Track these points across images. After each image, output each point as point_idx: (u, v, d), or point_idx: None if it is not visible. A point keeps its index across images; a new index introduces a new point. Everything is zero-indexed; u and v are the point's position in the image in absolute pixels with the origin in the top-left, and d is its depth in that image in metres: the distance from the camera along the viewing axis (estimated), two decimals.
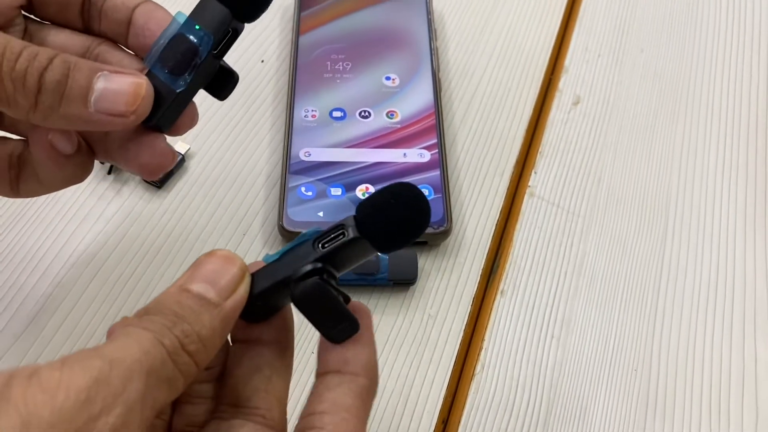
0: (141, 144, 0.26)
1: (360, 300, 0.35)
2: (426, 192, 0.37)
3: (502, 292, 0.36)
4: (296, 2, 0.45)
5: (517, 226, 0.38)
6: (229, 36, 0.25)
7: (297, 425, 0.21)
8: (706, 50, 0.47)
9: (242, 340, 0.23)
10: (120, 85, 0.23)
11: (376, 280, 0.35)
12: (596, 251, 0.38)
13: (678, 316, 0.36)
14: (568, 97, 0.44)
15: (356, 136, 0.39)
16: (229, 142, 0.40)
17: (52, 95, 0.22)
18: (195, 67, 0.24)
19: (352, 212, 0.37)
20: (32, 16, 0.27)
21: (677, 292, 0.37)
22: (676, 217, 0.39)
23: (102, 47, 0.27)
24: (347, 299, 0.22)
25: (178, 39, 0.24)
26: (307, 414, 0.21)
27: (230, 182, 0.39)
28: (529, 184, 0.40)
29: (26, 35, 0.27)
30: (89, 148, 0.27)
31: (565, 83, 0.45)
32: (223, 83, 0.26)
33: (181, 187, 0.38)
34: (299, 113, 0.40)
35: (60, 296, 0.34)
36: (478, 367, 0.34)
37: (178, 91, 0.24)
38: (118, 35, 0.27)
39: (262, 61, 0.44)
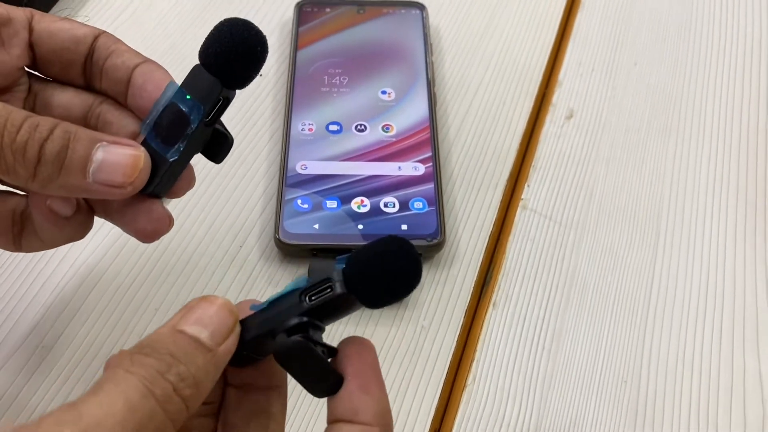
0: (138, 210, 0.26)
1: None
2: (420, 204, 0.38)
3: (494, 304, 0.37)
4: (294, 18, 0.46)
5: (510, 239, 0.39)
6: (221, 104, 0.25)
7: None
8: (699, 65, 0.48)
9: (237, 385, 0.23)
10: (118, 157, 0.23)
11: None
12: (588, 264, 0.38)
13: (668, 328, 0.36)
14: (561, 111, 0.45)
15: (352, 149, 0.40)
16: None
17: (51, 166, 0.23)
18: (187, 137, 0.25)
19: (348, 225, 0.38)
20: (37, 74, 0.28)
21: (667, 304, 0.37)
22: (667, 231, 0.40)
23: (103, 106, 0.28)
24: (333, 352, 0.22)
25: (170, 109, 0.25)
26: None
27: (228, 194, 0.39)
28: (522, 197, 0.41)
29: (30, 94, 0.28)
30: (89, 208, 0.27)
31: (558, 97, 0.46)
32: (217, 147, 0.26)
33: (180, 199, 0.39)
34: (296, 127, 0.41)
35: (60, 306, 0.35)
36: (470, 379, 0.34)
37: (171, 160, 0.25)
38: (118, 94, 0.27)
39: (261, 75, 0.45)
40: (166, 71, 0.27)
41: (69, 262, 0.36)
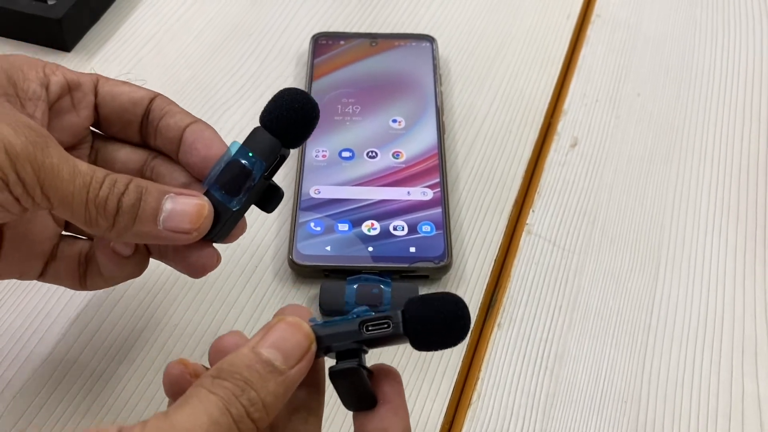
0: (191, 249, 0.29)
1: None
2: (428, 228, 0.39)
3: (499, 325, 0.38)
4: (310, 50, 0.48)
5: (515, 262, 0.40)
6: (278, 161, 0.28)
7: None
8: (700, 96, 0.50)
9: None
10: (185, 207, 0.26)
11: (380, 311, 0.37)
12: (590, 287, 0.40)
13: (668, 352, 0.37)
14: (566, 140, 0.47)
15: (363, 174, 0.42)
16: None
17: (127, 216, 0.26)
18: (248, 189, 0.28)
19: (359, 247, 0.39)
20: (98, 132, 0.31)
21: (667, 328, 0.38)
22: (668, 257, 0.41)
23: (156, 161, 0.31)
24: (371, 374, 0.25)
25: (234, 164, 0.28)
26: None
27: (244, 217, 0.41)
28: (527, 222, 0.42)
29: (93, 150, 0.31)
30: (146, 249, 0.30)
31: (563, 126, 0.47)
32: (270, 199, 0.29)
33: None
34: (310, 153, 0.43)
35: (84, 321, 0.36)
36: (475, 396, 0.35)
37: (234, 210, 0.28)
38: (170, 151, 0.30)
39: None
40: (214, 130, 0.30)
41: None
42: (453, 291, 0.38)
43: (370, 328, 0.24)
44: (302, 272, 0.39)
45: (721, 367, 0.37)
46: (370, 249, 0.38)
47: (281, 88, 0.45)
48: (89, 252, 0.31)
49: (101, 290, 0.37)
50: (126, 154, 0.31)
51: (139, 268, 0.30)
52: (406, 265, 0.38)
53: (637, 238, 0.42)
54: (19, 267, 0.30)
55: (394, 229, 0.39)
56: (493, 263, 0.40)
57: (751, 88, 0.50)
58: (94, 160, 0.31)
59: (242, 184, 0.27)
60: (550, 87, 0.49)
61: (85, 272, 0.31)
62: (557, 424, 0.35)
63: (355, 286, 0.37)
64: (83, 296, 0.37)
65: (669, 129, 0.47)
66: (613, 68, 0.51)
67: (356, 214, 0.40)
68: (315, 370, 0.26)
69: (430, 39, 0.49)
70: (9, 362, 0.35)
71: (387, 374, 0.26)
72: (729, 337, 0.38)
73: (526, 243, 0.41)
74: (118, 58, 0.48)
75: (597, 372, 0.37)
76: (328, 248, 0.38)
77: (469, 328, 0.25)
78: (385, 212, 0.40)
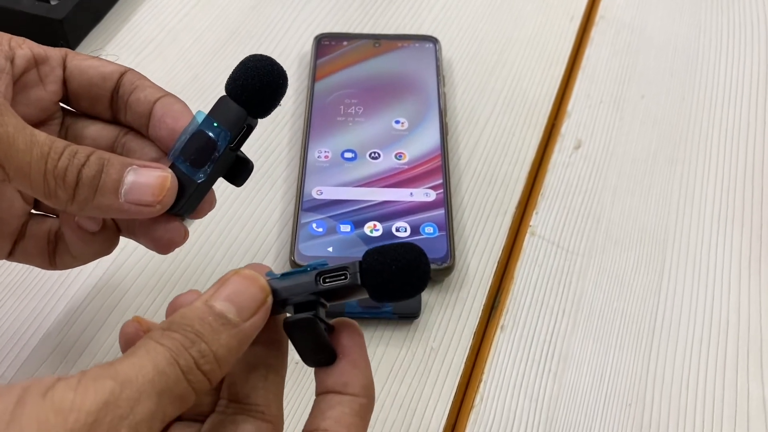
0: (157, 223, 0.28)
1: (365, 332, 0.37)
2: (431, 229, 0.39)
3: (502, 327, 0.38)
4: (313, 50, 0.48)
5: (518, 264, 0.40)
6: (244, 131, 0.27)
7: None
8: (704, 98, 0.49)
9: None
10: (147, 178, 0.26)
11: (381, 313, 0.37)
12: (594, 289, 0.39)
13: (672, 354, 0.37)
14: (569, 142, 0.46)
15: (366, 176, 0.42)
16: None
17: (87, 189, 0.25)
18: (214, 161, 0.27)
19: (361, 248, 0.39)
20: (69, 108, 0.30)
21: (672, 330, 0.38)
22: (672, 258, 0.41)
23: (128, 137, 0.30)
24: (331, 329, 0.25)
25: (198, 135, 0.27)
26: (309, 430, 0.23)
27: (246, 218, 0.41)
28: (531, 223, 0.42)
29: (63, 127, 0.30)
30: (115, 226, 0.30)
31: (567, 128, 0.47)
32: (239, 172, 0.28)
33: (199, 223, 0.40)
34: (313, 154, 0.42)
35: (82, 324, 0.36)
36: (478, 399, 0.35)
37: (198, 181, 0.27)
38: (141, 126, 0.29)
39: (280, 105, 0.46)
40: (185, 104, 0.29)
41: (91, 283, 0.38)
42: (456, 293, 0.38)
43: (326, 280, 0.23)
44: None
45: (726, 370, 0.37)
46: None
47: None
48: (59, 230, 0.30)
49: (97, 292, 0.37)
50: (96, 131, 0.30)
51: (108, 245, 0.30)
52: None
53: (641, 240, 0.42)
54: None
55: (397, 230, 0.39)
56: (496, 265, 0.40)
57: (756, 90, 0.50)
58: (64, 136, 0.30)
59: (207, 155, 0.27)
60: (553, 88, 0.49)
61: (55, 250, 0.30)
62: (561, 427, 0.34)
63: None
64: (82, 299, 0.37)
65: (673, 131, 0.47)
66: (617, 70, 0.50)
67: (359, 215, 0.40)
68: (275, 327, 0.25)
69: (433, 40, 0.49)
70: (9, 362, 0.35)
71: (346, 327, 0.25)
72: (734, 340, 0.38)
73: (529, 245, 0.41)
74: (120, 58, 0.48)
75: (601, 374, 0.36)
76: (330, 249, 0.38)
77: (428, 275, 0.24)
78: (387, 213, 0.40)
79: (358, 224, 0.39)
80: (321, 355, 0.24)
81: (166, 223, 0.28)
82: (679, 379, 0.36)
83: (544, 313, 0.38)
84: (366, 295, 0.24)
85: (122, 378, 0.19)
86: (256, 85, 0.27)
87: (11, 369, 0.34)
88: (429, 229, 0.39)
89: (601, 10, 0.54)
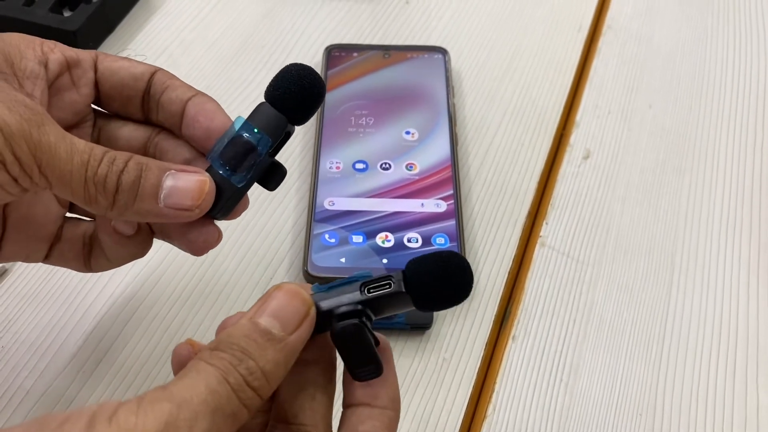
0: (192, 227, 0.28)
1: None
2: (442, 240, 0.40)
3: (513, 337, 0.38)
4: (323, 61, 0.48)
5: (529, 275, 0.41)
6: (283, 138, 0.28)
7: None
8: (712, 108, 0.50)
9: None
10: (186, 183, 0.26)
11: (394, 323, 0.37)
12: (604, 299, 0.40)
13: (682, 363, 0.37)
14: (578, 152, 0.47)
15: (377, 186, 0.42)
16: (258, 191, 0.43)
17: (127, 194, 0.25)
18: (253, 166, 0.27)
19: (373, 259, 0.39)
20: (100, 109, 0.31)
21: (681, 339, 0.38)
22: (681, 268, 0.41)
23: (160, 136, 0.30)
24: (377, 342, 0.25)
25: (238, 140, 0.27)
26: None
27: (259, 229, 0.41)
28: (541, 234, 0.42)
29: (95, 128, 0.31)
30: (149, 229, 0.30)
31: (576, 138, 0.47)
32: (273, 176, 0.29)
33: None
34: (324, 165, 0.43)
35: (100, 334, 0.37)
36: (490, 409, 0.36)
37: (239, 186, 0.27)
38: (173, 125, 0.30)
39: None
40: (217, 103, 0.29)
41: (109, 293, 0.38)
42: (468, 304, 0.39)
43: (371, 290, 0.24)
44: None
45: (736, 380, 0.37)
46: (385, 261, 0.39)
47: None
48: (93, 233, 0.30)
49: (113, 302, 0.38)
50: (129, 132, 0.30)
51: (142, 247, 0.30)
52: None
53: (650, 250, 0.42)
54: (25, 249, 0.30)
55: (408, 241, 0.39)
56: (506, 275, 0.40)
57: (764, 100, 0.50)
58: (96, 138, 0.31)
59: (247, 160, 0.27)
60: (562, 99, 0.49)
61: (90, 253, 0.31)
62: None
63: None
64: (98, 309, 0.37)
65: (681, 140, 0.48)
66: (624, 80, 0.51)
67: (370, 225, 0.40)
68: (322, 346, 0.25)
69: (442, 51, 0.49)
70: (27, 372, 0.35)
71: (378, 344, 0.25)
72: (743, 350, 0.38)
73: (539, 255, 0.41)
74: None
75: (612, 384, 0.37)
76: (343, 260, 0.39)
77: (472, 281, 0.24)
78: (399, 224, 0.40)
79: (370, 235, 0.40)
80: (369, 366, 0.24)
81: (202, 226, 0.28)
82: (689, 388, 0.37)
83: (554, 323, 0.39)
84: (411, 306, 0.24)
85: (178, 400, 0.20)
86: (297, 93, 0.27)
87: (29, 379, 0.35)
88: (440, 240, 0.40)
89: (609, 20, 0.55)
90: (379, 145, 0.44)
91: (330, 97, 0.46)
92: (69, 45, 0.47)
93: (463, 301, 0.24)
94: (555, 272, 0.41)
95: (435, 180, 0.42)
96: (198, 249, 0.29)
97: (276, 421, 0.24)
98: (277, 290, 0.23)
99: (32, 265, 0.39)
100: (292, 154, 0.45)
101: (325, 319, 0.24)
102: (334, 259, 0.39)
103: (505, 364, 0.37)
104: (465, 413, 0.35)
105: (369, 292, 0.24)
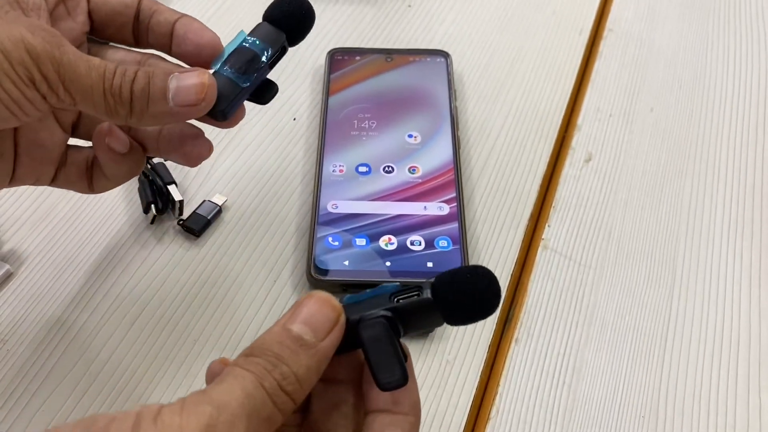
0: (185, 138, 0.31)
1: None
2: (445, 243, 0.40)
3: (516, 340, 0.38)
4: (326, 65, 0.49)
5: (531, 278, 0.41)
6: (279, 52, 0.31)
7: None
8: (713, 111, 0.50)
9: (322, 378, 0.26)
10: (189, 80, 0.28)
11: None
12: (606, 302, 0.40)
13: (684, 366, 0.38)
14: (580, 155, 0.47)
15: (380, 189, 0.42)
16: (262, 195, 0.43)
17: (141, 100, 0.27)
18: (257, 70, 0.30)
19: (377, 261, 0.39)
20: (95, 39, 0.33)
21: (684, 342, 0.38)
22: (683, 271, 0.41)
23: (152, 60, 0.32)
24: (405, 355, 0.25)
25: (243, 49, 0.30)
26: None
27: (263, 232, 0.42)
28: (543, 237, 0.43)
29: (90, 55, 0.32)
30: (142, 147, 0.32)
31: (577, 141, 0.48)
32: (265, 91, 0.31)
33: (218, 236, 0.41)
34: (328, 168, 0.43)
35: (106, 335, 0.37)
36: (493, 411, 0.36)
37: (243, 86, 0.30)
38: (163, 46, 0.32)
39: (294, 119, 0.47)
40: (202, 22, 0.32)
41: (115, 294, 0.38)
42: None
43: (400, 300, 0.24)
44: (321, 286, 0.39)
45: (738, 382, 0.37)
46: (388, 263, 0.39)
47: (298, 101, 0.46)
48: (95, 158, 0.33)
49: (119, 303, 0.38)
50: (121, 56, 0.32)
51: (137, 165, 0.32)
52: (424, 280, 0.38)
53: (652, 253, 0.42)
54: (35, 172, 0.32)
55: (412, 243, 0.40)
56: (509, 278, 0.40)
57: (765, 103, 0.50)
58: None
59: (252, 65, 0.30)
60: (563, 102, 0.50)
61: (92, 176, 0.33)
62: None
63: None
64: (104, 311, 0.38)
65: (682, 143, 0.48)
66: (626, 83, 0.51)
67: (373, 228, 0.40)
68: (354, 368, 0.26)
69: (444, 54, 0.50)
70: (34, 373, 0.35)
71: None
72: (745, 351, 0.38)
73: (542, 258, 0.42)
74: None
75: (614, 386, 0.37)
76: (347, 263, 0.39)
77: (500, 295, 0.25)
78: (402, 227, 0.40)
79: (374, 238, 0.40)
80: (395, 373, 0.24)
81: (195, 139, 0.31)
82: (691, 391, 0.37)
83: (557, 325, 0.39)
84: (440, 319, 0.25)
85: (218, 403, 0.21)
86: (294, 12, 0.31)
87: (36, 380, 0.35)
88: (443, 243, 0.40)
89: (610, 23, 0.55)
90: (381, 148, 0.44)
91: (333, 101, 0.47)
92: None
93: (491, 313, 0.25)
94: (557, 275, 0.41)
95: (438, 183, 0.43)
96: (192, 159, 0.32)
97: None
98: (308, 298, 0.24)
99: (38, 268, 0.39)
100: (296, 157, 0.45)
101: (354, 331, 0.24)
102: (338, 262, 0.39)
103: (508, 366, 0.37)
104: (468, 415, 0.35)
105: (398, 302, 0.24)
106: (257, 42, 0.30)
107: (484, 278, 0.25)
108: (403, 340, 0.34)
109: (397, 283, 0.25)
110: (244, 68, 0.30)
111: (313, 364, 0.23)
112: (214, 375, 0.26)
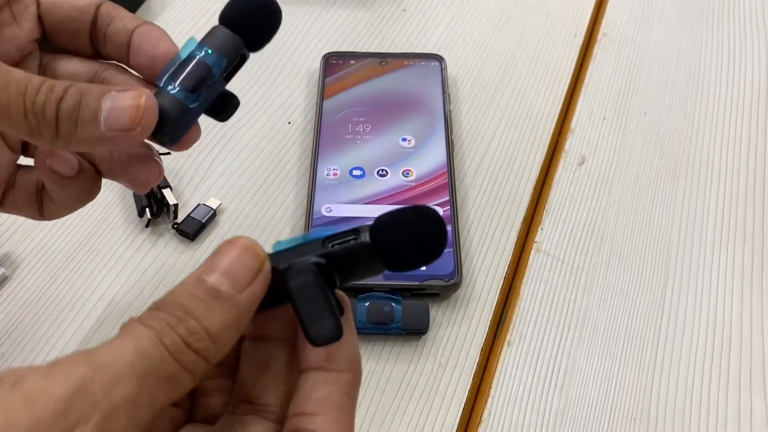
0: (135, 161, 0.28)
1: (374, 348, 0.37)
2: None
3: (509, 342, 0.38)
4: (321, 69, 0.49)
5: (524, 280, 0.41)
6: (238, 61, 0.27)
7: (285, 426, 0.22)
8: (706, 114, 0.50)
9: (250, 336, 0.24)
10: (123, 101, 0.24)
11: (390, 329, 0.37)
12: (599, 305, 0.40)
13: (676, 368, 0.38)
14: (573, 158, 0.47)
15: (374, 193, 0.42)
16: (257, 198, 0.43)
17: (68, 122, 0.24)
18: (207, 86, 0.26)
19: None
20: (47, 46, 0.30)
21: (675, 345, 0.39)
22: (675, 273, 0.42)
23: (108, 71, 0.29)
24: (340, 307, 0.22)
25: (191, 61, 0.26)
26: (295, 414, 0.22)
27: (257, 235, 0.42)
28: (536, 240, 0.43)
29: (41, 66, 0.30)
30: (94, 170, 0.29)
31: (571, 144, 0.48)
32: (224, 106, 0.27)
33: (212, 240, 0.41)
34: (322, 171, 0.43)
35: (99, 339, 0.37)
36: (485, 414, 0.36)
37: (191, 106, 0.26)
38: (121, 57, 0.29)
39: (289, 123, 0.48)
40: (163, 30, 0.28)
41: (108, 298, 0.38)
42: (464, 309, 0.39)
43: (334, 245, 0.22)
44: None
45: (730, 385, 0.37)
46: None
47: (293, 105, 0.46)
48: None
49: (113, 308, 0.38)
50: (75, 67, 0.29)
51: (87, 191, 0.29)
52: (416, 283, 0.38)
53: (644, 255, 0.42)
54: None
55: None
56: (502, 281, 0.41)
57: (757, 106, 0.51)
58: (42, 75, 0.29)
59: (200, 80, 0.25)
60: (557, 105, 0.50)
61: (42, 200, 0.30)
62: None
63: (366, 304, 0.37)
64: (98, 315, 0.38)
65: (675, 146, 0.48)
66: (619, 86, 0.51)
67: None
68: (287, 324, 0.24)
69: (438, 58, 0.50)
70: None
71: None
72: (737, 355, 0.38)
73: (535, 261, 0.42)
74: None
75: (606, 389, 0.37)
76: None
77: (445, 235, 0.22)
78: None
79: None
80: (325, 324, 0.21)
81: (142, 161, 0.28)
82: (683, 393, 0.37)
83: (549, 328, 0.39)
84: (380, 267, 0.22)
85: (98, 363, 0.18)
86: (254, 14, 0.26)
87: None
88: None
89: (604, 27, 0.55)
90: (376, 151, 0.45)
91: (328, 105, 0.47)
92: None
93: (436, 257, 0.22)
94: (550, 278, 0.41)
95: (431, 186, 0.43)
96: (139, 185, 0.29)
97: (238, 400, 0.23)
98: (227, 244, 0.21)
99: (33, 272, 0.39)
100: (290, 161, 0.45)
101: (284, 282, 0.21)
102: None
103: (501, 369, 0.37)
104: (461, 418, 0.36)
105: (332, 247, 0.22)
106: (209, 51, 0.26)
107: (427, 217, 0.22)
108: (393, 342, 0.33)
109: (333, 228, 0.22)
110: (192, 85, 0.25)
111: (231, 319, 0.20)
112: None
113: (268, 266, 0.21)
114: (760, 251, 0.43)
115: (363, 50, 0.52)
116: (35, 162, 0.29)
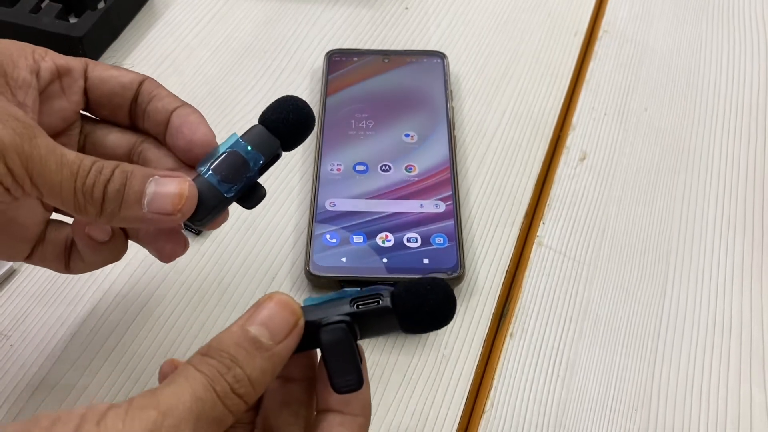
0: (163, 234, 0.30)
1: (377, 339, 0.38)
2: (441, 240, 0.40)
3: (511, 335, 0.39)
4: (324, 66, 0.49)
5: (526, 274, 0.41)
6: (272, 159, 0.29)
7: None
8: (706, 109, 0.50)
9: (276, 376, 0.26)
10: (168, 188, 0.26)
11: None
12: (600, 298, 0.40)
13: (677, 360, 0.38)
14: (575, 153, 0.47)
15: (377, 188, 0.43)
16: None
17: (113, 202, 0.26)
18: (244, 180, 0.28)
19: (374, 258, 0.40)
20: (88, 115, 0.32)
21: (676, 337, 0.39)
22: (676, 267, 0.42)
23: (144, 144, 0.31)
24: (361, 360, 0.26)
25: (233, 154, 0.28)
26: None
27: (262, 230, 0.42)
28: (538, 234, 0.43)
29: (82, 134, 0.31)
30: (124, 234, 0.31)
31: (572, 140, 0.48)
32: (252, 196, 0.30)
33: (217, 234, 0.42)
34: (326, 167, 0.44)
35: (106, 333, 0.37)
36: (488, 405, 0.36)
37: (228, 196, 0.28)
38: (158, 134, 0.31)
39: None
40: (201, 114, 0.30)
41: (115, 292, 0.39)
42: (466, 302, 0.40)
43: (360, 306, 0.25)
44: (319, 283, 0.39)
45: (730, 376, 0.38)
46: (385, 260, 0.39)
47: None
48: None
49: (119, 302, 0.38)
50: (115, 138, 0.31)
51: (116, 253, 0.31)
52: (419, 276, 0.39)
53: (645, 249, 0.43)
54: (7, 250, 0.31)
55: (408, 241, 0.40)
56: (504, 274, 0.41)
57: (757, 102, 0.51)
58: (83, 143, 0.31)
59: (239, 174, 0.28)
60: (558, 101, 0.50)
61: (70, 255, 0.32)
62: None
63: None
64: (104, 308, 0.38)
65: (675, 142, 0.48)
66: (620, 83, 0.52)
67: (371, 226, 0.41)
68: (308, 367, 0.27)
69: (441, 55, 0.50)
70: (35, 369, 0.36)
71: None
72: (737, 346, 0.39)
73: (536, 254, 0.42)
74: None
75: (607, 380, 0.37)
76: (344, 260, 0.39)
77: (454, 307, 0.26)
78: (398, 224, 0.41)
79: (371, 235, 0.40)
80: (350, 377, 0.25)
81: (170, 235, 0.30)
82: (683, 385, 0.37)
83: (551, 321, 0.39)
84: (397, 327, 0.25)
85: (164, 407, 0.21)
86: (293, 121, 0.29)
87: (38, 376, 0.36)
88: (439, 240, 0.40)
89: (605, 24, 0.56)
90: (379, 147, 0.45)
91: (331, 101, 0.47)
92: (75, 51, 0.48)
93: (445, 324, 0.26)
94: (552, 271, 0.41)
95: (434, 181, 0.43)
96: (165, 256, 0.31)
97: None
98: (268, 299, 0.24)
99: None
100: (294, 156, 0.46)
101: (313, 333, 0.25)
102: (336, 259, 0.39)
103: (503, 360, 0.38)
104: (463, 409, 0.36)
105: (358, 307, 0.25)
106: (249, 149, 0.28)
107: (441, 291, 0.26)
108: (397, 333, 0.34)
109: (358, 289, 0.26)
110: (231, 176, 0.28)
111: (268, 367, 0.23)
112: (165, 376, 0.25)
113: (302, 322, 0.24)
114: (759, 244, 0.43)
115: (366, 47, 0.52)
116: (72, 227, 0.30)
